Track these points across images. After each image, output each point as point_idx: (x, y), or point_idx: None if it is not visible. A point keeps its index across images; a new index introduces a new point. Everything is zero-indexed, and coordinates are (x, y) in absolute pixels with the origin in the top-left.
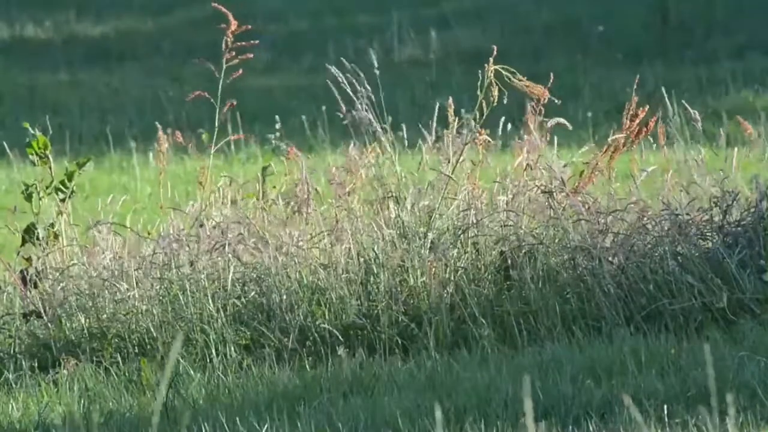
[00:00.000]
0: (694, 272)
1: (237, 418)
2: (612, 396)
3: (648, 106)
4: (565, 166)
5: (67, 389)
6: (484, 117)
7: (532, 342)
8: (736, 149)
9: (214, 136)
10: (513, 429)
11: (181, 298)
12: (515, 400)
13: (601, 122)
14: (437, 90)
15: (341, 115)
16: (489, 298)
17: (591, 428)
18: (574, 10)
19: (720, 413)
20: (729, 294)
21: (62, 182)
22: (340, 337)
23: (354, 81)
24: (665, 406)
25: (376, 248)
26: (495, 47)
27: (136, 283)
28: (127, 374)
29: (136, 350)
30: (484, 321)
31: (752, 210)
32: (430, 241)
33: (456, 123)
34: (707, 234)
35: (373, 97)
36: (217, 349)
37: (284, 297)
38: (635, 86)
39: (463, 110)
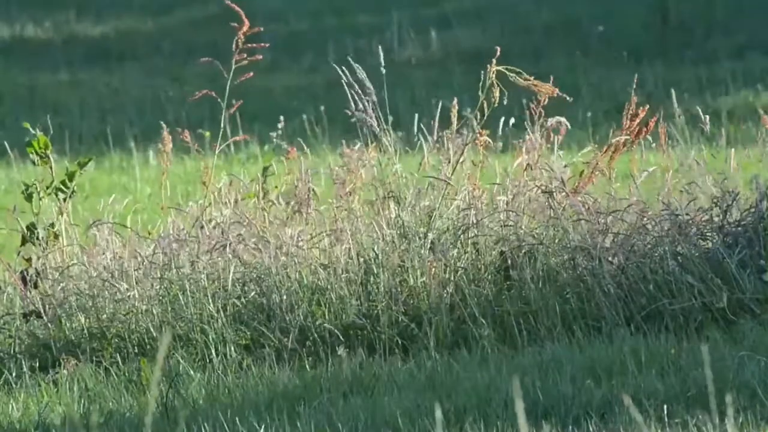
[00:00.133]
0: (694, 272)
1: (237, 418)
2: (612, 396)
3: (648, 106)
4: (565, 166)
5: (67, 389)
6: (485, 117)
7: (532, 342)
8: (733, 150)
9: (219, 136)
10: (513, 429)
11: (181, 298)
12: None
13: (601, 122)
14: (437, 90)
15: (349, 113)
16: (489, 298)
17: (591, 428)
18: (574, 10)
19: (720, 413)
20: (729, 294)
21: (63, 182)
22: (340, 337)
23: (363, 80)
24: (665, 406)
25: (376, 248)
26: (498, 48)
27: (136, 283)
28: (127, 374)
29: (136, 350)
30: (484, 321)
31: (752, 210)
32: (430, 241)
33: (457, 123)
34: (707, 234)
35: (375, 98)
36: (217, 349)
37: (284, 297)
38: (635, 86)
39: (467, 110)
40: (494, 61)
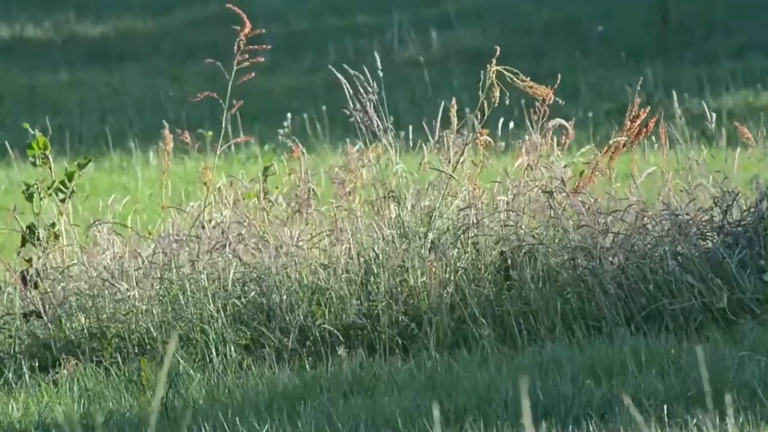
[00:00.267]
0: (694, 272)
1: (237, 418)
2: (612, 396)
3: (649, 107)
4: (565, 166)
5: (67, 389)
6: (485, 117)
7: (532, 342)
8: (738, 150)
9: (221, 137)
10: (513, 429)
11: (181, 298)
12: (515, 400)
13: (602, 122)
14: (437, 90)
15: (348, 113)
16: (489, 298)
17: (591, 428)
18: (574, 10)
19: (720, 413)
20: (729, 294)
21: (62, 182)
22: (340, 337)
23: (364, 80)
24: (665, 406)
25: (376, 248)
26: (498, 48)
27: (136, 283)
28: (127, 374)
29: (136, 350)
30: (484, 321)
31: (752, 210)
32: (430, 241)
33: (458, 123)
34: (707, 234)
35: (375, 98)
36: (217, 349)
37: (284, 297)
38: (638, 87)
39: (467, 110)
40: (494, 61)
